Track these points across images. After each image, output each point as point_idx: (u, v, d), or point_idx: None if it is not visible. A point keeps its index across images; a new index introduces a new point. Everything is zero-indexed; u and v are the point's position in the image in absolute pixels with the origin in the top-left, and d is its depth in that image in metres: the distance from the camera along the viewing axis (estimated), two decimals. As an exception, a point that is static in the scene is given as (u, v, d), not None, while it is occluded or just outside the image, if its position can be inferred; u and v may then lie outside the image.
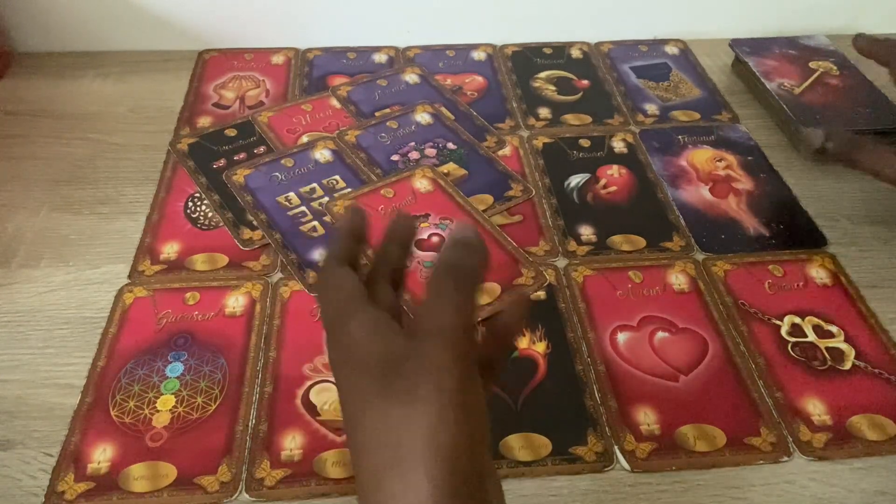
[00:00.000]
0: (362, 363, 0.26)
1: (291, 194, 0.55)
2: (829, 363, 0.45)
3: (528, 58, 0.72)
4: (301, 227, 0.52)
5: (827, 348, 0.46)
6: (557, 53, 0.72)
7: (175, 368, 0.43)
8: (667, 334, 0.46)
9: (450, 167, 0.58)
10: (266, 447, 0.40)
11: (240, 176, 0.56)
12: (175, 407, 0.41)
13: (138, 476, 0.38)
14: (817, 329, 0.47)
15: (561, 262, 0.51)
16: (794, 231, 0.54)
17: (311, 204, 0.54)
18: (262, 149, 0.59)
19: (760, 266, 0.51)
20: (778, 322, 0.47)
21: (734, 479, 0.39)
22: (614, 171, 0.59)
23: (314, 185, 0.56)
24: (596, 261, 0.51)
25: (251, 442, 0.40)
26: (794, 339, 0.46)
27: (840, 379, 0.44)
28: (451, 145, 0.60)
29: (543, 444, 0.40)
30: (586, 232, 0.53)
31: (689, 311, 0.48)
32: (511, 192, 0.56)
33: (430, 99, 0.65)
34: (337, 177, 0.56)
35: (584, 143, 0.61)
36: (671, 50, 0.73)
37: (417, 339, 0.26)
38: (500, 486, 0.28)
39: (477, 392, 0.26)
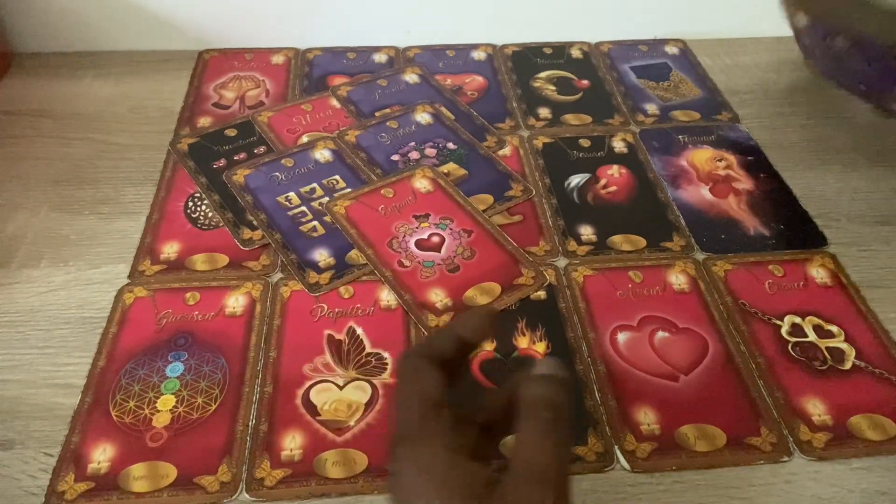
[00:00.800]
0: (442, 488, 0.25)
1: (291, 194, 0.55)
2: (830, 363, 0.45)
3: (528, 58, 0.72)
4: (301, 227, 0.52)
5: (827, 348, 0.46)
6: (557, 53, 0.72)
7: (175, 368, 0.43)
8: (667, 334, 0.46)
9: (450, 167, 0.58)
10: (266, 447, 0.40)
11: (240, 176, 0.56)
12: (175, 407, 0.41)
13: (138, 476, 0.38)
14: (817, 329, 0.47)
15: (561, 262, 0.51)
16: (794, 231, 0.54)
17: (312, 204, 0.54)
18: (262, 149, 0.59)
19: (761, 266, 0.51)
20: (778, 322, 0.47)
21: (734, 479, 0.39)
22: (614, 170, 0.59)
23: (314, 185, 0.56)
24: (596, 261, 0.51)
25: (251, 442, 0.40)
26: (794, 339, 0.46)
27: (840, 379, 0.44)
28: (451, 145, 0.60)
29: (543, 444, 0.40)
30: (586, 232, 0.53)
31: (690, 311, 0.48)
32: (511, 192, 0.56)
33: (430, 99, 0.65)
34: (337, 177, 0.56)
35: (584, 143, 0.61)
36: (671, 50, 0.74)
37: (513, 476, 0.25)
38: None
39: None
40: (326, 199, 0.54)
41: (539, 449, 0.26)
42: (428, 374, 0.29)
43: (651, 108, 0.66)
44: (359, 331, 0.46)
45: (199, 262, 0.50)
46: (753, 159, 0.60)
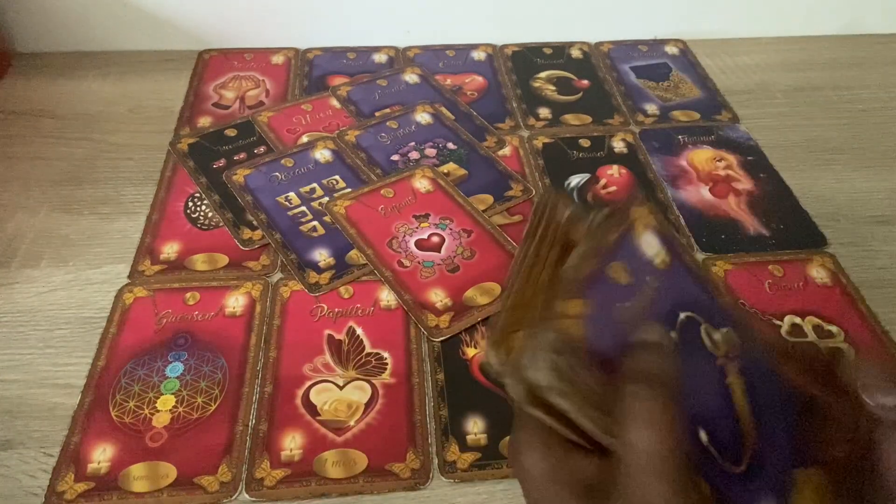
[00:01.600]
0: (564, 486, 0.26)
1: (291, 194, 0.55)
2: (829, 363, 0.45)
3: (528, 58, 0.72)
4: (301, 227, 0.52)
5: (827, 348, 0.46)
6: (557, 53, 0.72)
7: (175, 368, 0.43)
8: (667, 334, 0.46)
9: (450, 167, 0.58)
10: (266, 447, 0.40)
11: (240, 176, 0.56)
12: (175, 407, 0.41)
13: (138, 476, 0.38)
14: (817, 329, 0.47)
15: (561, 262, 0.51)
16: (794, 231, 0.54)
17: (311, 204, 0.54)
18: (262, 149, 0.59)
19: (760, 266, 0.51)
20: (778, 322, 0.47)
21: (734, 479, 0.39)
22: (614, 171, 0.59)
23: (314, 185, 0.56)
24: (596, 261, 0.51)
25: (251, 442, 0.40)
26: (794, 339, 0.46)
27: (840, 379, 0.44)
28: (451, 145, 0.60)
29: (543, 444, 0.40)
30: (586, 232, 0.53)
31: (689, 311, 0.48)
32: (511, 192, 0.56)
33: (430, 99, 0.65)
34: (337, 177, 0.56)
35: (584, 143, 0.61)
36: (671, 50, 0.74)
37: (629, 468, 0.23)
38: None
39: None
40: (326, 199, 0.54)
41: (627, 433, 0.23)
42: None
43: (651, 108, 0.66)
44: (359, 331, 0.46)
45: (199, 262, 0.50)
46: (753, 159, 0.60)
